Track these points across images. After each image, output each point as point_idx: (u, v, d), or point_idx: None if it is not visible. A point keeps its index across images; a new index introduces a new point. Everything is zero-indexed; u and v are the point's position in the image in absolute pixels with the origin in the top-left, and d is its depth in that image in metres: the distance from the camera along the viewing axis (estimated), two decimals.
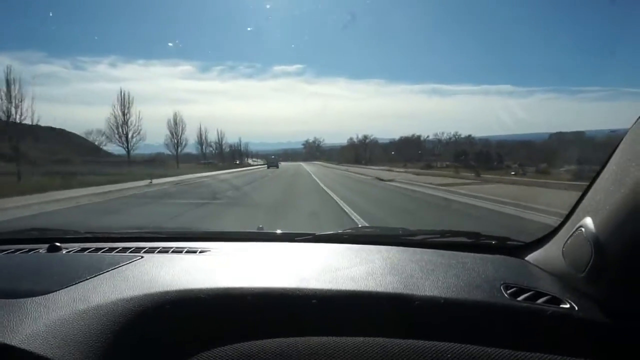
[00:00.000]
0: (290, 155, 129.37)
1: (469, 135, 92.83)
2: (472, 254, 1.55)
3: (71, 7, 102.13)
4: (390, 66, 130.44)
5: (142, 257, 1.50)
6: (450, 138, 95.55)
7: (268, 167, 58.40)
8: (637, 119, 1.06)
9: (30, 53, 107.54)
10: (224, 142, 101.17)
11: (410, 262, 1.44)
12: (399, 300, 1.16)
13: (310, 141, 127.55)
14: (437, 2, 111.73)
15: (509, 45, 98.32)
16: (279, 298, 1.18)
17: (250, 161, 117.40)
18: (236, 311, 1.16)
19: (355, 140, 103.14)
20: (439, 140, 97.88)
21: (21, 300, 1.06)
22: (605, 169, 1.15)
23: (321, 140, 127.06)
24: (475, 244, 1.68)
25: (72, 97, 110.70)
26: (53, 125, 50.89)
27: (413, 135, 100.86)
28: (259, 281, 1.26)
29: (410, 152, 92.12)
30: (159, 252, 1.58)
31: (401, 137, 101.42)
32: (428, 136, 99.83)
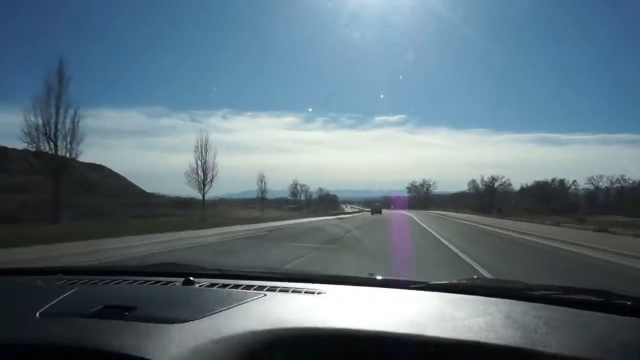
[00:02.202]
0: (390, 202, 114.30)
1: None
2: (602, 314, 1.39)
3: (189, 66, 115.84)
4: (494, 115, 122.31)
5: (265, 294, 1.56)
6: (613, 184, 71.69)
7: (372, 214, 57.31)
8: None
9: (155, 108, 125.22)
10: (322, 190, 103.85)
11: (531, 317, 1.33)
12: (523, 355, 1.08)
13: (417, 184, 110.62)
14: (543, 45, 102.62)
15: (629, 90, 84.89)
16: (395, 343, 1.17)
17: (348, 208, 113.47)
18: (353, 352, 1.17)
19: (479, 184, 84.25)
20: (596, 187, 73.83)
21: (167, 325, 1.17)
22: None
23: (430, 183, 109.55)
24: (604, 303, 1.50)
25: (189, 147, 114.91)
26: None
27: (554, 181, 77.86)
28: (375, 324, 1.25)
29: (551, 201, 70.32)
30: (279, 291, 1.63)
31: (537, 182, 78.78)
32: (574, 181, 76.94)
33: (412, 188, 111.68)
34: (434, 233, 20.94)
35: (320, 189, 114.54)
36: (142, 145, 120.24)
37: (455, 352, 1.13)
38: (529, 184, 79.51)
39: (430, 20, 66.34)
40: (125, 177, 57.55)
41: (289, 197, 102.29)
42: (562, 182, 77.30)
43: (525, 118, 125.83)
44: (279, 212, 56.16)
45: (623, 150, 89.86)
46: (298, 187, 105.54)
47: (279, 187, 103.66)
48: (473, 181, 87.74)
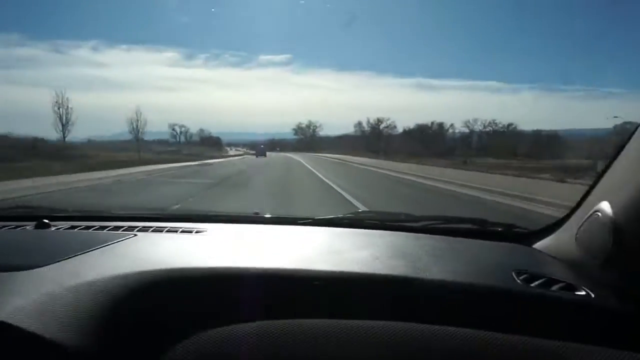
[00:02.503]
0: (278, 144, 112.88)
1: (511, 125, 73.08)
2: (479, 241, 1.52)
3: None
4: (377, 58, 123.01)
5: (135, 235, 1.45)
6: (485, 127, 75.63)
7: (257, 157, 54.24)
8: None
9: (11, 35, 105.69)
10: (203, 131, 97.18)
11: (415, 247, 1.40)
12: (407, 283, 1.12)
13: (303, 125, 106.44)
14: None
15: (498, 41, 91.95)
16: (279, 279, 1.14)
17: (233, 151, 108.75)
18: (233, 292, 1.12)
19: (365, 126, 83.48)
20: (471, 131, 77.31)
21: (8, 274, 1.03)
22: (622, 155, 1.13)
23: (317, 124, 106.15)
24: (480, 230, 1.63)
25: (52, 82, 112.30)
26: None
27: (432, 124, 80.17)
28: (257, 262, 1.21)
29: (434, 143, 72.56)
30: (153, 231, 1.53)
31: (418, 125, 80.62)
32: (451, 125, 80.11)
33: (298, 130, 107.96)
34: (322, 177, 18.00)
35: (202, 130, 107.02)
36: None
37: (341, 284, 1.13)
38: (411, 127, 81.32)
39: None
40: None
41: (169, 139, 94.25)
42: (440, 125, 79.97)
43: (406, 62, 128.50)
44: (151, 155, 49.72)
45: (490, 97, 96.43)
46: (177, 128, 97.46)
47: (158, 128, 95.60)
48: (359, 123, 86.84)
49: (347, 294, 1.12)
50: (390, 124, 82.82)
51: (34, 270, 1.06)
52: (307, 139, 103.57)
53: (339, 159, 43.88)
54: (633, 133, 1.11)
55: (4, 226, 1.58)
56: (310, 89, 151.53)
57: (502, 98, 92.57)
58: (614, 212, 1.05)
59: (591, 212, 1.14)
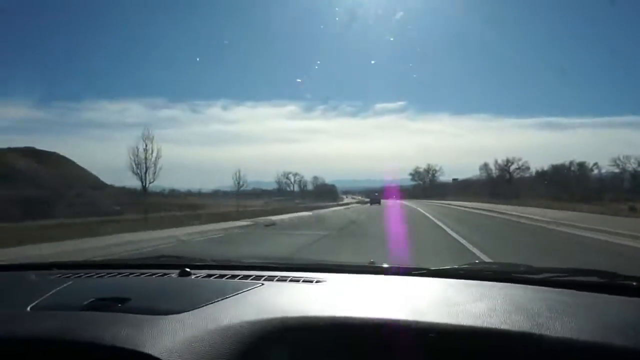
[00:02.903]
0: (392, 191, 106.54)
1: None
2: (609, 296, 1.39)
3: (188, 56, 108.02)
4: (494, 100, 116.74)
5: (262, 284, 1.55)
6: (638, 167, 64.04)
7: (371, 204, 54.21)
8: None
9: (154, 99, 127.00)
10: (317, 179, 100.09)
11: (536, 301, 1.31)
12: (527, 340, 1.07)
13: (422, 170, 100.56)
14: (541, 29, 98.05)
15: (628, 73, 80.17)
16: (395, 330, 1.16)
17: (348, 198, 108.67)
18: (353, 341, 1.16)
19: (492, 168, 75.27)
20: (623, 169, 65.88)
21: (160, 317, 1.16)
22: None
23: (436, 168, 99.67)
24: (610, 284, 1.50)
25: (189, 138, 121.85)
26: None
27: (571, 164, 69.85)
28: (376, 312, 1.24)
29: (575, 186, 62.79)
30: (277, 280, 1.62)
31: (553, 166, 70.72)
32: (595, 164, 69.10)
33: (416, 175, 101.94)
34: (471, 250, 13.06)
35: (316, 178, 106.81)
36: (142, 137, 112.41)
37: (456, 337, 1.11)
38: (545, 168, 71.63)
39: (429, 5, 62.78)
40: (85, 167, 50.33)
41: (282, 188, 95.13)
42: (581, 165, 69.20)
43: (526, 103, 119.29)
44: (261, 203, 48.66)
45: (629, 133, 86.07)
46: (290, 176, 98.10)
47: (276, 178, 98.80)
48: (485, 165, 78.08)
49: (462, 348, 1.10)
50: (522, 165, 73.76)
51: (180, 314, 1.17)
52: (426, 185, 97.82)
53: (476, 208, 34.81)
54: None
55: (153, 274, 1.72)
56: (426, 134, 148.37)
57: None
58: None
59: None
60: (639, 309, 1.29)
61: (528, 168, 73.39)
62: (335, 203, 68.24)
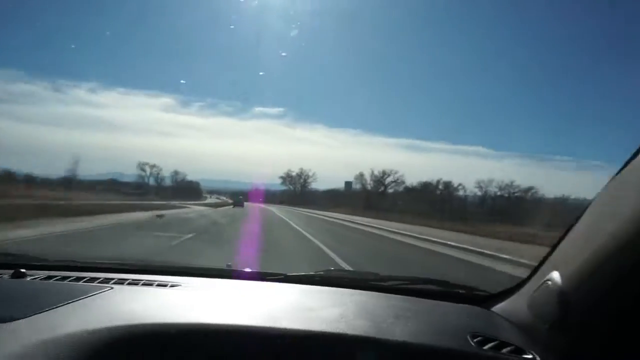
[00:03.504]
0: (262, 194, 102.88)
1: (530, 188, 63.98)
2: (442, 302, 1.57)
3: (53, 27, 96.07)
4: (368, 117, 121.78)
5: (111, 288, 1.45)
6: (502, 189, 66.45)
7: (234, 207, 52.92)
8: (605, 185, 1.10)
9: (10, 71, 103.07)
10: (177, 173, 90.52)
11: (381, 307, 1.44)
12: (370, 344, 1.16)
13: (294, 174, 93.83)
14: (415, 60, 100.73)
15: (486, 107, 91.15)
16: (248, 336, 1.17)
17: (212, 198, 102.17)
18: (206, 347, 1.14)
19: (368, 179, 71.67)
20: (485, 192, 67.75)
21: None
22: (575, 227, 1.18)
23: (309, 174, 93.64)
24: (444, 292, 1.68)
25: (49, 119, 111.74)
26: None
27: (438, 182, 70.53)
28: (229, 318, 1.25)
29: (440, 204, 62.93)
30: (129, 283, 1.53)
31: (423, 183, 70.71)
32: (459, 185, 70.60)
33: (287, 179, 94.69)
34: None
35: (176, 172, 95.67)
36: None
37: (307, 343, 1.16)
38: (414, 184, 71.20)
39: (317, 12, 59.57)
40: None
41: (137, 182, 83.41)
42: (447, 184, 70.11)
43: (395, 123, 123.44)
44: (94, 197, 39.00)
45: (478, 161, 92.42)
46: (146, 168, 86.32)
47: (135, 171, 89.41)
48: (361, 175, 74.24)
49: (313, 353, 1.15)
50: (398, 179, 71.25)
51: (9, 323, 1.05)
52: (297, 191, 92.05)
53: (351, 222, 29.92)
54: (585, 209, 1.14)
55: None
56: (301, 143, 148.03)
57: (488, 163, 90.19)
58: (562, 282, 1.09)
59: (544, 279, 1.19)
60: (462, 314, 1.46)
61: (403, 182, 71.82)
62: (193, 202, 59.74)
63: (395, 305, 1.46)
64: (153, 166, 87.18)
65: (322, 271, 1.88)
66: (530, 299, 1.26)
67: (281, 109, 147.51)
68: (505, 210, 60.12)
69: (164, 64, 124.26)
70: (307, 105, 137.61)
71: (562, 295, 1.08)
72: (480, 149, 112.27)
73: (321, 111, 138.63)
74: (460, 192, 68.94)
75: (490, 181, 66.58)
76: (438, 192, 68.73)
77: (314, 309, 1.35)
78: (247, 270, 1.84)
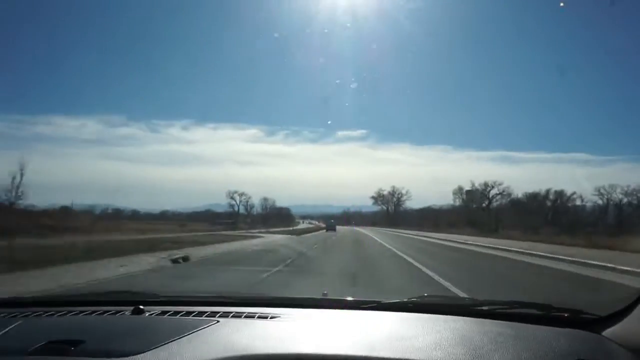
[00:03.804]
0: (353, 217, 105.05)
1: None
2: (544, 327, 1.49)
3: (149, 73, 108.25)
4: (454, 132, 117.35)
5: (217, 321, 1.54)
6: (628, 195, 57.58)
7: (327, 230, 53.13)
8: None
9: (112, 117, 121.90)
10: (267, 200, 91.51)
11: (478, 334, 1.40)
12: None
13: (385, 192, 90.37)
14: (503, 66, 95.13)
15: (585, 111, 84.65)
16: None
17: (305, 224, 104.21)
18: None
19: (462, 194, 65.99)
20: (607, 200, 59.23)
21: None
22: None
23: (402, 192, 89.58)
24: (546, 316, 1.60)
25: (148, 157, 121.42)
26: None
27: (548, 192, 62.65)
28: (329, 348, 1.29)
29: (556, 216, 55.67)
30: (232, 316, 1.62)
31: (526, 194, 63.18)
32: (573, 194, 62.21)
33: (379, 198, 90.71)
34: None
35: (265, 199, 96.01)
36: (100, 155, 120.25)
37: None
38: (519, 196, 63.64)
39: (393, 35, 59.75)
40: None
41: (229, 212, 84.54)
42: (559, 193, 61.69)
43: (484, 136, 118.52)
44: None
45: (576, 169, 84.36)
46: (236, 196, 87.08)
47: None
48: (460, 190, 67.58)
49: None
50: (504, 190, 63.39)
51: (135, 356, 1.16)
52: (390, 211, 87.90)
53: (464, 243, 26.41)
54: None
55: (106, 311, 1.66)
56: (386, 163, 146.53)
57: (592, 170, 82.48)
58: None
59: None
60: (569, 340, 1.36)
61: (509, 194, 63.86)
62: (279, 230, 58.15)
63: (493, 331, 1.42)
64: (242, 194, 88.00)
65: (417, 297, 1.87)
66: None
67: (363, 131, 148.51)
68: (636, 219, 51.76)
69: (249, 97, 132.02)
70: (389, 124, 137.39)
71: None
72: (582, 155, 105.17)
73: (405, 129, 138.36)
74: (577, 202, 60.76)
75: (613, 187, 58.14)
76: (549, 203, 61.06)
77: (409, 337, 1.35)
78: (342, 298, 1.87)
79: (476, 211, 61.01)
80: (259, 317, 1.60)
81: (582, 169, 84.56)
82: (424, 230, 48.15)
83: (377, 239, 32.12)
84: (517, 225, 49.96)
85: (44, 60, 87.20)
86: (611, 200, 58.98)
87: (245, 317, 1.60)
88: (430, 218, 66.94)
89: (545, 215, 56.06)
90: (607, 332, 1.38)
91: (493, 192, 63.18)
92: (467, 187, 65.16)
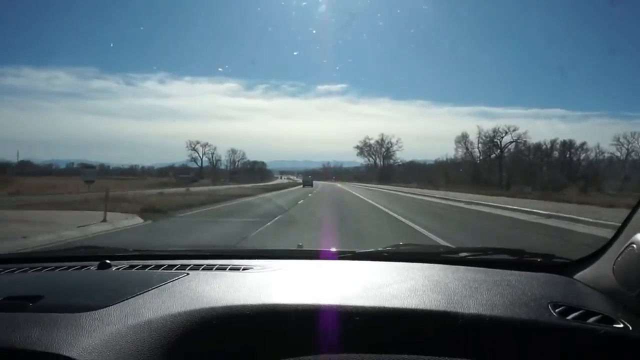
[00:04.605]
0: (334, 172, 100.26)
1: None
2: (517, 272, 1.50)
3: (123, 26, 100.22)
4: (435, 87, 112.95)
5: (187, 274, 1.49)
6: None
7: (303, 186, 50.97)
8: None
9: (85, 69, 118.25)
10: (234, 152, 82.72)
11: (453, 280, 1.41)
12: (443, 318, 1.14)
13: (372, 141, 79.38)
14: (483, 22, 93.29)
15: (560, 67, 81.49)
16: (322, 315, 1.19)
17: (283, 179, 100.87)
18: (280, 327, 1.17)
19: (475, 142, 54.43)
20: (628, 152, 50.90)
21: (77, 314, 1.09)
22: None
23: (392, 141, 77.68)
24: (519, 261, 1.63)
25: (122, 111, 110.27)
26: None
27: (553, 143, 53.46)
28: (302, 298, 1.26)
29: (570, 169, 47.60)
30: (203, 269, 1.58)
31: (535, 145, 53.98)
32: (582, 144, 53.35)
33: (365, 149, 77.68)
34: None
35: (233, 151, 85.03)
36: (74, 109, 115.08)
37: (379, 319, 1.15)
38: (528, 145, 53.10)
39: None
40: None
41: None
42: (567, 144, 52.21)
43: (463, 91, 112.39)
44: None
45: (555, 124, 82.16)
46: (198, 148, 76.12)
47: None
48: (464, 137, 55.50)
49: (384, 329, 1.14)
50: (521, 136, 51.32)
51: (99, 310, 1.11)
52: (378, 165, 76.75)
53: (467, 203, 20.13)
54: None
55: (71, 267, 1.64)
56: (367, 118, 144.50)
57: (570, 126, 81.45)
58: None
59: (628, 243, 1.13)
60: (541, 284, 1.37)
61: (525, 141, 51.75)
62: (254, 185, 48.74)
63: (467, 277, 1.43)
64: (205, 145, 76.73)
65: (391, 246, 1.86)
66: (615, 264, 1.19)
67: (344, 85, 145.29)
68: None
69: (227, 50, 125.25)
70: (369, 79, 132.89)
71: None
72: (559, 111, 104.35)
73: (385, 84, 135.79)
74: (592, 154, 52.09)
75: (635, 135, 49.62)
76: (556, 154, 51.92)
77: (384, 285, 1.35)
78: (317, 249, 1.84)
79: (484, 163, 51.55)
80: (231, 269, 1.57)
81: (560, 124, 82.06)
82: (428, 188, 38.98)
83: (383, 208, 22.75)
84: (527, 182, 41.71)
85: (9, 6, 78.82)
86: (633, 150, 50.61)
87: (217, 269, 1.57)
88: (430, 172, 57.24)
89: (560, 169, 47.56)
90: (578, 275, 1.41)
91: (506, 139, 51.32)
92: (476, 135, 54.13)
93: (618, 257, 1.19)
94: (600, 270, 1.32)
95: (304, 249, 1.92)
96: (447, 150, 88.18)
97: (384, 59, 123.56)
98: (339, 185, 58.88)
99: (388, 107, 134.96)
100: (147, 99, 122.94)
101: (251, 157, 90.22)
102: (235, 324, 1.14)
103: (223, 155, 79.61)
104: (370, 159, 78.33)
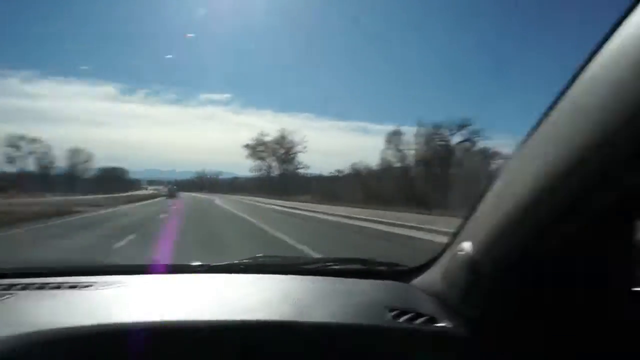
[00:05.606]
0: (212, 183, 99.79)
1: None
2: (363, 280, 1.57)
3: None
4: (317, 100, 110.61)
5: (11, 295, 1.35)
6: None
7: (167, 198, 48.83)
8: (513, 153, 1.08)
9: None
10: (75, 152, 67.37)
11: (306, 291, 1.45)
12: (290, 328, 1.17)
13: (269, 139, 67.08)
14: (363, 39, 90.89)
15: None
16: (167, 332, 1.14)
17: (148, 189, 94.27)
18: (119, 349, 1.10)
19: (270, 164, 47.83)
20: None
21: None
22: (486, 197, 1.19)
23: (295, 138, 67.79)
24: (367, 270, 1.69)
25: None
26: None
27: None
28: (146, 316, 1.19)
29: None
30: (36, 288, 1.44)
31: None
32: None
33: (257, 148, 62.34)
34: None
35: (76, 151, 65.66)
36: None
37: (226, 334, 1.14)
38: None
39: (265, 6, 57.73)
40: None
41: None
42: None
43: (344, 106, 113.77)
44: None
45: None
46: (22, 144, 57.30)
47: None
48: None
49: (231, 344, 1.13)
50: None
51: None
52: (273, 172, 60.43)
53: None
54: (497, 177, 1.12)
55: None
56: (250, 130, 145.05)
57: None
58: (473, 252, 1.10)
59: (456, 250, 1.20)
60: (381, 290, 1.45)
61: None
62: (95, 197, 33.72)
63: (318, 287, 1.48)
64: (34, 140, 57.70)
65: (248, 259, 1.83)
66: (446, 270, 1.28)
67: (228, 95, 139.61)
68: None
69: (104, 50, 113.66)
70: (253, 90, 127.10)
71: (472, 264, 1.09)
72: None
73: (268, 96, 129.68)
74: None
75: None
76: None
77: (236, 298, 1.34)
78: (167, 263, 1.75)
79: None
80: (69, 287, 1.44)
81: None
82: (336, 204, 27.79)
83: None
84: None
85: None
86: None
87: (51, 288, 1.44)
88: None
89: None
90: (415, 281, 1.49)
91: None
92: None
93: (448, 263, 1.26)
94: (432, 276, 1.38)
95: (151, 263, 1.72)
96: (336, 165, 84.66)
97: (268, 69, 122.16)
98: (202, 196, 50.45)
99: (271, 119, 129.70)
100: (8, 99, 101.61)
101: (130, 165, 74.07)
102: (68, 347, 1.05)
103: (64, 158, 60.94)
104: (265, 163, 61.73)
